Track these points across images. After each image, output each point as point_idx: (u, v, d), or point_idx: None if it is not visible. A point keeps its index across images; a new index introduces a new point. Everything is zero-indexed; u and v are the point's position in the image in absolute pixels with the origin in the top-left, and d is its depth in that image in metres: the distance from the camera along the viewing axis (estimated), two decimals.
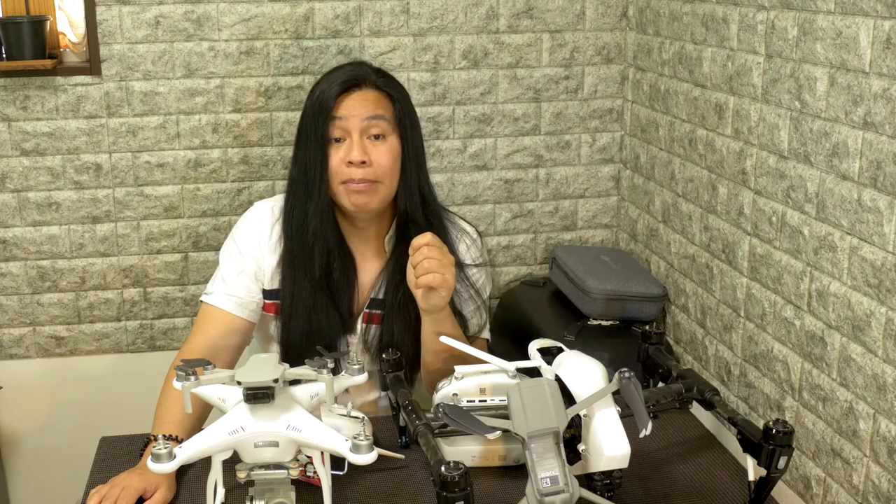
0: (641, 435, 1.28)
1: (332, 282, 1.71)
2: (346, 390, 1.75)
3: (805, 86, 1.58)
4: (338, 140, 1.66)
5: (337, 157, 1.65)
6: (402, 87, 1.73)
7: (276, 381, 1.14)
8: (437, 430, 1.36)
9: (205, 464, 1.21)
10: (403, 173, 1.70)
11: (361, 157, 1.63)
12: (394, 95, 1.69)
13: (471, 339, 1.74)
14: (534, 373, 1.47)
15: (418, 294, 1.59)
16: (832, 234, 1.52)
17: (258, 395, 1.14)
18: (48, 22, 2.19)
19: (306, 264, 1.69)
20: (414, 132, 1.72)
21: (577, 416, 1.30)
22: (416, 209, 1.72)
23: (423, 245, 1.56)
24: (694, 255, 2.03)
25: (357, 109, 1.65)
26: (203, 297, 1.72)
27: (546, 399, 1.26)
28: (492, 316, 2.37)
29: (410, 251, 1.58)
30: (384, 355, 1.57)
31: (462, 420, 1.27)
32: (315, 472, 1.34)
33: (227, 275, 1.71)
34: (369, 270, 1.76)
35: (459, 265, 1.76)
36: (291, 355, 1.67)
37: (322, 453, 1.20)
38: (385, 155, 1.66)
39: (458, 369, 1.51)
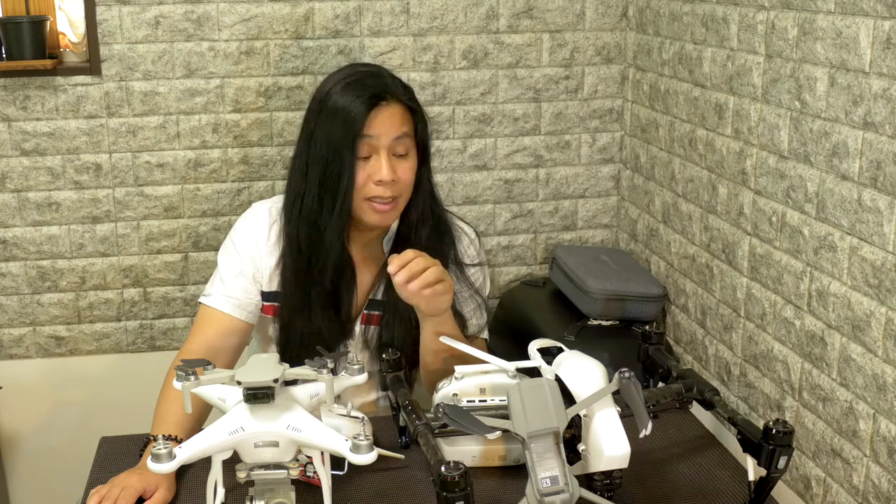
0: (641, 435, 1.28)
1: (333, 286, 1.70)
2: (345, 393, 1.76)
3: (805, 86, 1.58)
4: (363, 157, 1.63)
5: (364, 173, 1.62)
6: (416, 97, 1.72)
7: (275, 381, 1.14)
8: (437, 430, 1.36)
9: (205, 464, 1.21)
10: (418, 184, 1.69)
11: (391, 177, 1.62)
12: (416, 109, 1.68)
13: (470, 340, 1.74)
14: (534, 373, 1.47)
15: (420, 302, 1.57)
16: (832, 234, 1.52)
17: (258, 395, 1.14)
18: (48, 22, 2.19)
19: (313, 273, 1.68)
20: (428, 144, 1.72)
21: (577, 416, 1.30)
22: (427, 216, 1.72)
23: (412, 260, 1.53)
24: (694, 255, 2.03)
25: (387, 128, 1.61)
26: (202, 299, 1.71)
27: (546, 399, 1.26)
28: (492, 316, 2.37)
29: (393, 268, 1.52)
30: (384, 355, 1.57)
31: (462, 420, 1.27)
32: (315, 472, 1.34)
33: (226, 276, 1.70)
34: (368, 272, 1.75)
35: (459, 265, 1.76)
36: (291, 357, 1.67)
37: (322, 453, 1.20)
38: (408, 172, 1.65)
39: (458, 369, 1.51)
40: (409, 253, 1.54)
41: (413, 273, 1.52)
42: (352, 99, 1.61)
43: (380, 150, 1.62)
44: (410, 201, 1.70)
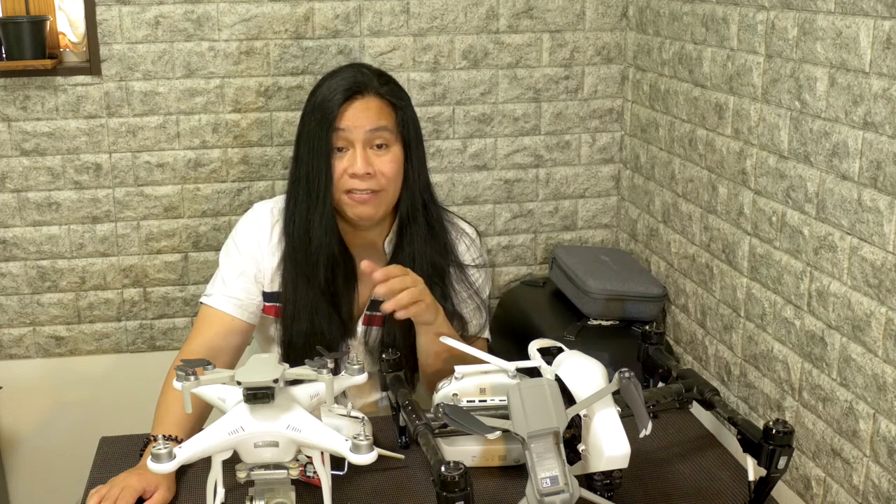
0: (641, 435, 1.28)
1: (334, 286, 1.70)
2: (345, 393, 1.76)
3: (805, 86, 1.58)
4: (340, 149, 1.65)
5: (340, 166, 1.64)
6: (405, 92, 1.71)
7: (276, 381, 1.14)
8: (437, 430, 1.36)
9: (205, 464, 1.21)
10: (406, 179, 1.69)
11: (365, 170, 1.63)
12: (396, 103, 1.68)
13: (471, 339, 1.74)
14: (534, 373, 1.47)
15: (403, 317, 1.59)
16: (832, 234, 1.52)
17: (258, 395, 1.14)
18: (48, 22, 2.19)
19: (309, 271, 1.68)
20: (416, 138, 1.71)
21: (577, 416, 1.30)
22: (417, 213, 1.72)
23: (387, 280, 1.55)
24: (694, 255, 2.03)
25: (360, 120, 1.63)
26: (203, 299, 1.71)
27: (546, 399, 1.26)
28: (492, 316, 2.37)
29: (380, 290, 1.56)
30: (384, 355, 1.57)
31: (462, 420, 1.27)
32: (315, 472, 1.34)
33: (227, 276, 1.70)
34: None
35: (459, 265, 1.76)
36: (292, 358, 1.67)
37: (322, 453, 1.20)
38: (389, 164, 1.65)
39: (458, 369, 1.51)
40: (392, 270, 1.56)
41: (391, 291, 1.55)
42: (328, 94, 1.65)
43: (355, 143, 1.64)
44: (401, 198, 1.70)
